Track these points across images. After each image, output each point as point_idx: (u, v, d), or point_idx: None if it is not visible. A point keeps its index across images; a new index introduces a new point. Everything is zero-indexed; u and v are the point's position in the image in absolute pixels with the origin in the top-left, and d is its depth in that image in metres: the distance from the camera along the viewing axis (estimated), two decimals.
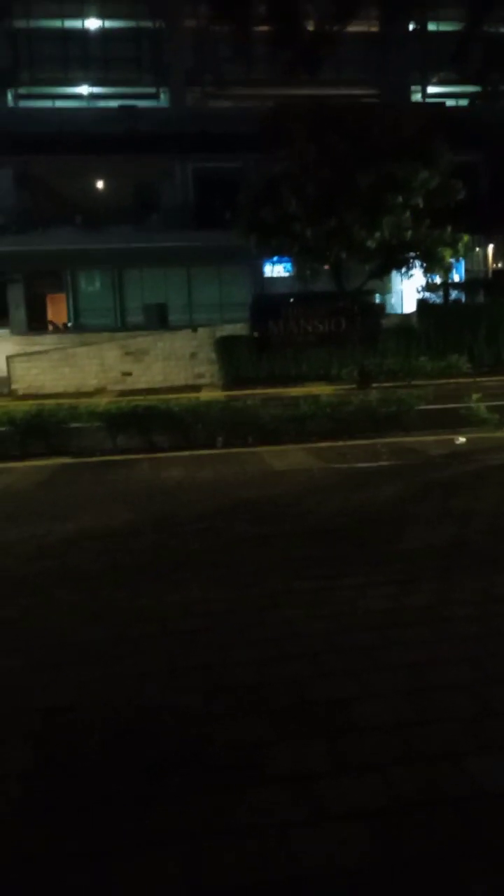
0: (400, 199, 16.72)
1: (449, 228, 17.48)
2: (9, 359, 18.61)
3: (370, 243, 17.14)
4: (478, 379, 14.88)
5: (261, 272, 27.37)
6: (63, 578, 4.70)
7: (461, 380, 14.77)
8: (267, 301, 20.74)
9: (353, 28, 27.22)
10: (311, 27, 26.68)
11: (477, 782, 2.42)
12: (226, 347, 18.19)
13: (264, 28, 26.12)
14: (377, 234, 16.98)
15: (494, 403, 9.78)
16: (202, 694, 3.12)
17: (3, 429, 9.64)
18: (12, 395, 17.54)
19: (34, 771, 2.65)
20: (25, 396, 16.81)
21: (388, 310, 23.19)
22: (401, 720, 2.82)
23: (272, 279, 27.12)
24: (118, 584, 4.52)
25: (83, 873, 2.13)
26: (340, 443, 8.82)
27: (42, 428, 9.53)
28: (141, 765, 2.63)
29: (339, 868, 2.09)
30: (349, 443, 8.79)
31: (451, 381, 14.78)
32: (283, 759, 2.62)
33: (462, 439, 8.48)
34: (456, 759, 2.55)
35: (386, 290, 24.88)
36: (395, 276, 22.25)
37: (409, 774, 2.48)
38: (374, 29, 28.93)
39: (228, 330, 19.36)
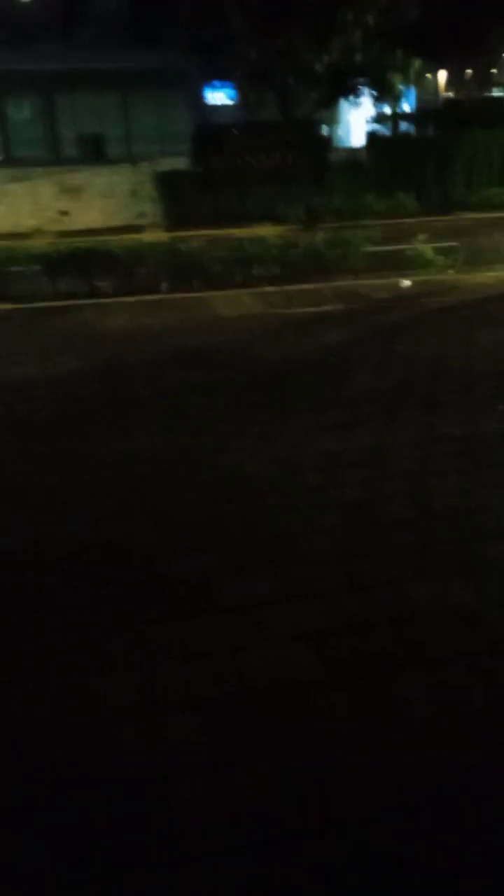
0: (350, 16, 15.56)
1: (400, 52, 16.44)
2: None
3: (318, 67, 16.09)
4: (425, 218, 14.60)
5: (202, 100, 25.58)
6: (11, 426, 4.72)
7: (409, 219, 14.47)
8: (210, 132, 19.48)
9: None
10: None
11: (414, 605, 2.66)
12: (167, 184, 17.30)
13: None
14: (325, 57, 15.92)
15: (440, 244, 9.68)
16: (155, 533, 3.27)
17: None
18: None
19: None
20: None
21: (336, 142, 22.12)
22: (344, 552, 3.03)
23: (215, 108, 25.40)
24: (67, 431, 4.56)
25: (47, 694, 2.32)
26: (287, 287, 8.71)
27: None
28: (99, 598, 2.80)
29: (284, 683, 2.32)
30: (296, 287, 8.68)
31: (399, 220, 14.47)
32: (232, 589, 2.81)
33: (407, 282, 8.45)
34: (396, 586, 2.77)
35: (333, 120, 23.62)
36: (344, 107, 21.07)
37: (351, 600, 2.71)
38: None
39: (170, 164, 18.28)
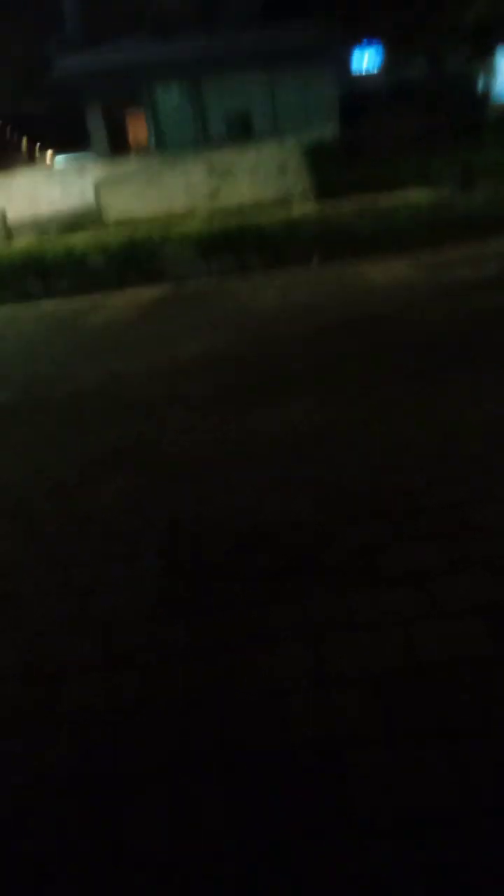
0: None
1: None
2: (97, 187, 18.28)
3: (466, 19, 15.25)
4: None
5: (348, 69, 25.03)
6: (173, 402, 4.84)
7: None
8: (356, 101, 19.12)
9: None
10: None
11: None
12: (315, 156, 17.10)
13: None
14: (473, 8, 15.05)
15: None
16: (317, 504, 3.23)
17: (98, 258, 9.62)
18: (104, 223, 17.36)
19: (165, 576, 2.88)
20: (117, 223, 16.62)
21: (494, 97, 20.93)
22: None
23: (360, 78, 24.77)
24: (226, 404, 4.62)
25: (217, 664, 2.35)
26: (445, 251, 8.35)
27: (136, 257, 9.48)
28: (263, 570, 2.81)
29: (457, 658, 2.22)
30: (455, 251, 8.31)
31: None
32: (399, 560, 2.73)
33: None
34: None
35: (489, 72, 22.32)
36: (500, 58, 19.87)
37: None
38: None
39: (317, 137, 18.13)
